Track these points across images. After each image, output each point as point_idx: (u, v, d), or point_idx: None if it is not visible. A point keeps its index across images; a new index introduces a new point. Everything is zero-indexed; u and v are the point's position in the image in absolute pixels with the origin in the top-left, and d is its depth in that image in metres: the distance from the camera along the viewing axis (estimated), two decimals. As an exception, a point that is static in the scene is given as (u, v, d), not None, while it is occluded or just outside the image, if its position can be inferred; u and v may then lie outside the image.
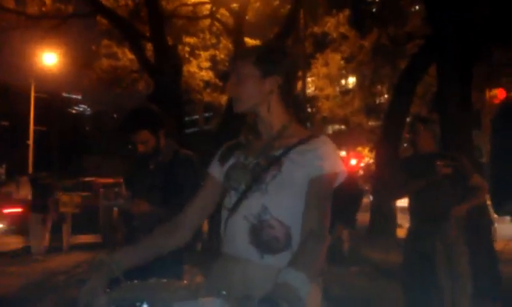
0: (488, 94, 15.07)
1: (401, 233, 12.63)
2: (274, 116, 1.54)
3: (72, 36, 13.55)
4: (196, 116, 45.15)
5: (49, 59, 21.43)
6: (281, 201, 1.42)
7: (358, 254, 8.18)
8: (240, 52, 1.66)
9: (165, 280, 1.36)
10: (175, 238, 1.58)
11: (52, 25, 12.13)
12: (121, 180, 4.16)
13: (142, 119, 2.71)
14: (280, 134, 1.52)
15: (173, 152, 2.78)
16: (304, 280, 1.19)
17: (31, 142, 28.24)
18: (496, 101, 14.06)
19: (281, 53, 1.57)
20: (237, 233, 1.45)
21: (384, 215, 11.84)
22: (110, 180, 11.71)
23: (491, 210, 5.38)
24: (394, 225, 12.10)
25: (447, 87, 6.38)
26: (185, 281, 1.36)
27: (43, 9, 11.57)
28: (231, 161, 1.57)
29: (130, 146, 2.79)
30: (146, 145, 2.71)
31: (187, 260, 2.62)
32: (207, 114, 42.49)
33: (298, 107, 1.62)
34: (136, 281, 1.34)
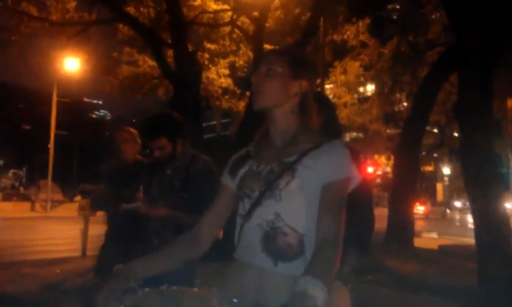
0: (509, 103, 14.84)
1: (418, 242, 12.49)
2: (289, 121, 1.53)
3: (94, 42, 13.74)
4: (214, 122, 45.40)
5: (71, 65, 21.85)
6: (295, 208, 1.40)
7: (374, 263, 8.06)
8: (276, 49, 1.64)
9: (176, 287, 1.35)
10: (193, 250, 1.57)
11: (74, 32, 12.33)
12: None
13: (161, 126, 2.73)
14: (294, 140, 1.50)
15: (191, 157, 2.79)
16: (322, 288, 1.17)
17: (51, 145, 28.60)
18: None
19: (311, 59, 1.57)
20: (251, 241, 1.44)
21: (401, 224, 11.70)
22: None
23: None
24: (411, 234, 11.97)
25: (468, 96, 6.29)
26: (196, 289, 1.35)
27: (66, 16, 11.77)
28: (243, 169, 1.56)
29: (147, 151, 2.82)
30: (163, 151, 2.73)
31: (200, 265, 2.61)
32: (224, 120, 42.68)
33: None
34: (147, 289, 1.33)
